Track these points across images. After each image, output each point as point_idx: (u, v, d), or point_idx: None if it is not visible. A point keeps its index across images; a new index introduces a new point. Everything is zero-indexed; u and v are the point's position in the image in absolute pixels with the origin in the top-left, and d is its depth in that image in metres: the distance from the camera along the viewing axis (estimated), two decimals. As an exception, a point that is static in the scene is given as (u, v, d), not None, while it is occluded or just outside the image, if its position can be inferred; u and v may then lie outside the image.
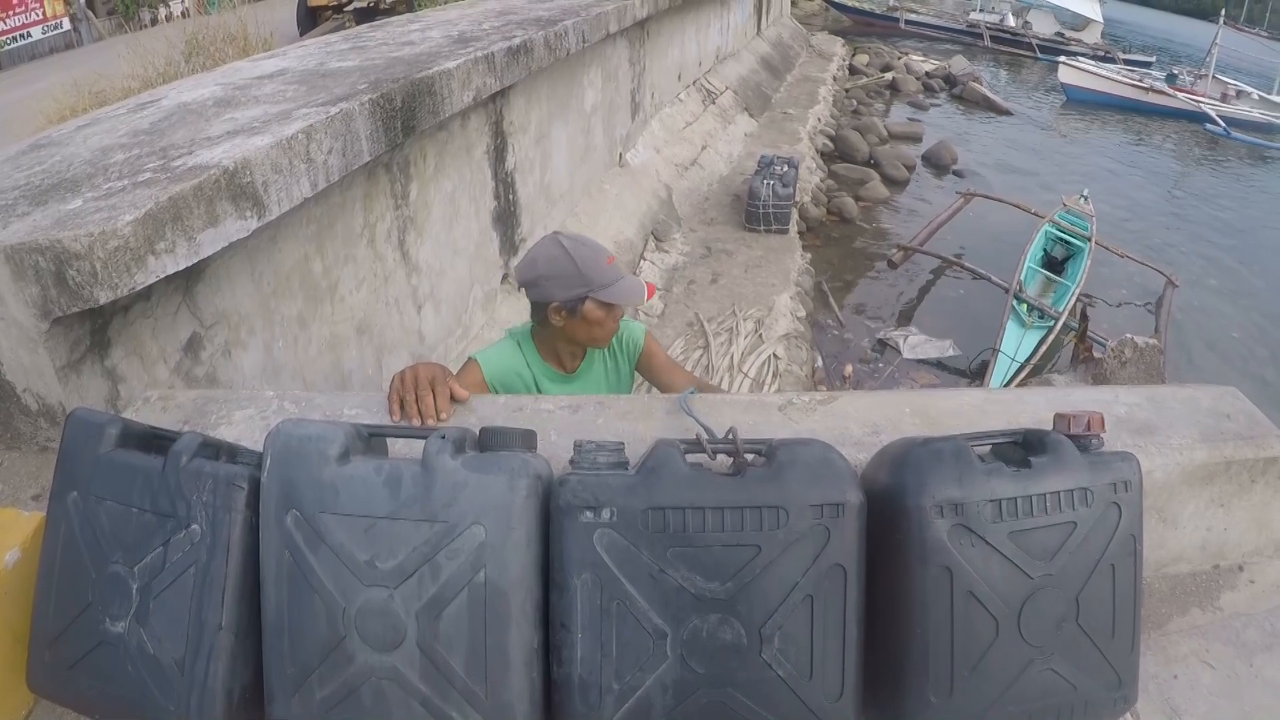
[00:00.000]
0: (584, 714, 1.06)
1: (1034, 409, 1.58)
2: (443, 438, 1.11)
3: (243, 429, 1.49)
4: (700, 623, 1.09)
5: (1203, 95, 18.71)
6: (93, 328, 1.76)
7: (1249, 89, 19.81)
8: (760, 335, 5.67)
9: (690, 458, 1.18)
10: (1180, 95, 18.34)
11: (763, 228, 6.96)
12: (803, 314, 6.27)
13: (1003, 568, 1.14)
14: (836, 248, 7.87)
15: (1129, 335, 4.79)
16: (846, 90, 13.58)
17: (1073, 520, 1.17)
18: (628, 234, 6.08)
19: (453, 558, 1.06)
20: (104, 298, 1.55)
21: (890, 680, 1.16)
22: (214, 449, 1.21)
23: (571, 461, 1.18)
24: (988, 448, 1.28)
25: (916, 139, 11.75)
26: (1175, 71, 20.89)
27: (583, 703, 1.06)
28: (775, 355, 5.50)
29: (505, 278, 4.29)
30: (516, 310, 4.33)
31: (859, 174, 9.31)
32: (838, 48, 16.78)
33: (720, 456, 1.23)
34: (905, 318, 6.65)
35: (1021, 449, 1.26)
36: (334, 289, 2.68)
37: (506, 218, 4.18)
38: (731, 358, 5.40)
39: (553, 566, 1.10)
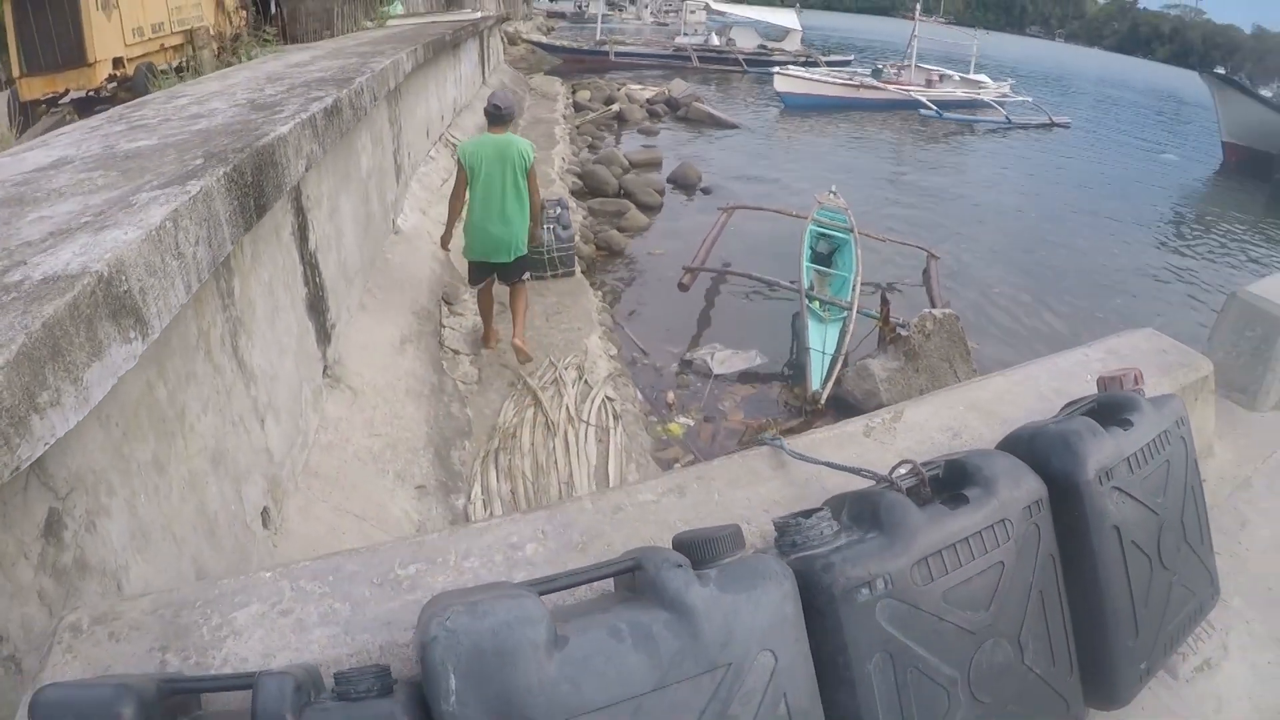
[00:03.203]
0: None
1: (1048, 381, 1.72)
2: (678, 565, 0.88)
3: (264, 637, 1.06)
4: (979, 655, 1.04)
5: (909, 84, 21.52)
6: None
7: (950, 72, 23.23)
8: (586, 381, 5.59)
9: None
10: (890, 87, 20.92)
11: (549, 273, 6.89)
12: (614, 352, 6.29)
13: (1143, 513, 1.26)
14: (616, 281, 8.02)
15: (927, 310, 5.42)
16: (578, 127, 14.02)
17: (1167, 459, 1.31)
18: (422, 302, 5.67)
19: (749, 702, 0.86)
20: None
21: (1094, 638, 1.21)
22: (306, 688, 0.85)
23: (791, 544, 1.02)
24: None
25: (657, 164, 12.34)
26: (880, 66, 23.74)
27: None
28: (608, 397, 5.44)
29: (326, 370, 3.74)
30: (343, 405, 3.81)
31: (615, 206, 9.63)
32: (558, 87, 17.17)
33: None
34: (705, 336, 6.90)
35: (1099, 413, 1.36)
36: (182, 417, 2.12)
37: (318, 304, 3.66)
38: (567, 409, 5.24)
39: (831, 663, 0.95)
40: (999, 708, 1.00)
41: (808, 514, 1.05)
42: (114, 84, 9.10)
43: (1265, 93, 24.54)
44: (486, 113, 4.67)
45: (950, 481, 1.15)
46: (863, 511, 1.05)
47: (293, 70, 4.11)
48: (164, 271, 1.56)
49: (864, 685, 0.92)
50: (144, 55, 9.75)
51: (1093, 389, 1.47)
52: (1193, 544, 1.31)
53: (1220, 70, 26.77)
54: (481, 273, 5.14)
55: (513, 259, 5.00)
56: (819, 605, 0.94)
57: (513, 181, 4.72)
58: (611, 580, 0.99)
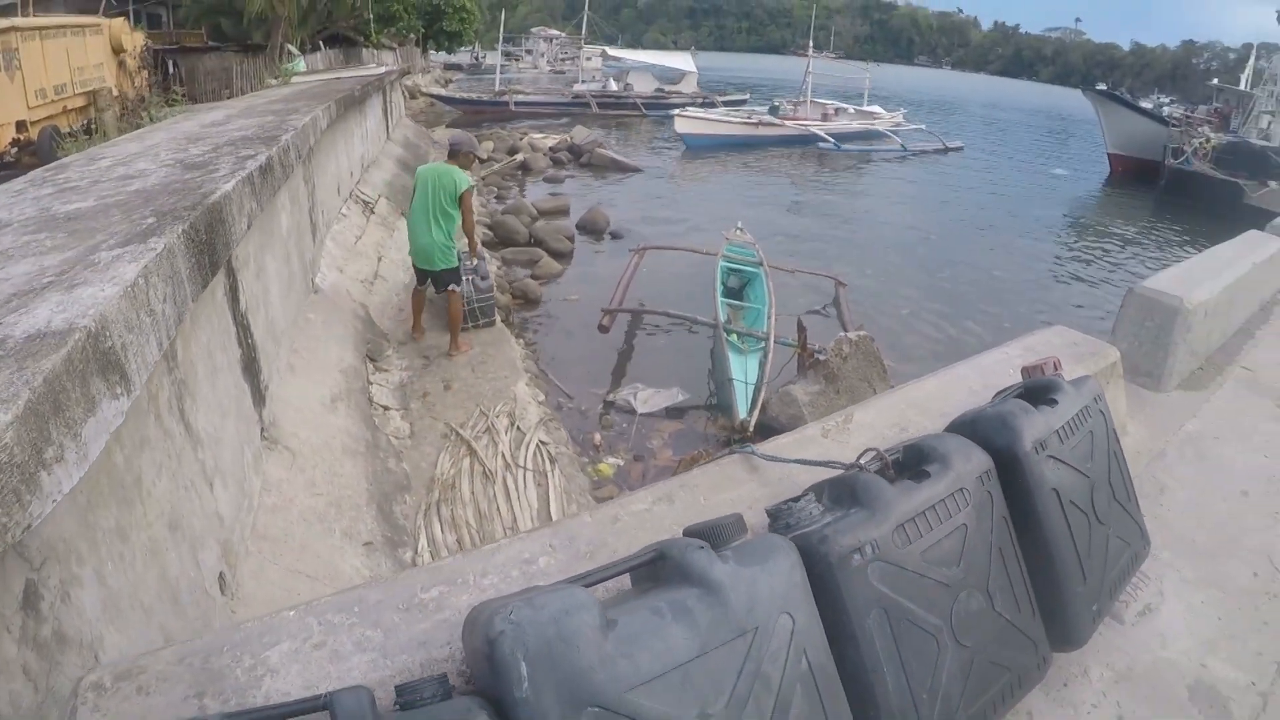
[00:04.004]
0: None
1: (977, 377, 1.93)
2: (700, 548, 1.00)
3: (302, 671, 1.09)
4: (957, 605, 1.18)
5: (806, 119, 22.02)
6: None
7: (845, 105, 23.85)
8: (519, 428, 5.61)
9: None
10: (788, 123, 21.34)
11: (470, 324, 6.88)
12: (542, 398, 6.34)
13: (1076, 476, 1.44)
14: (534, 328, 8.06)
15: (843, 334, 5.71)
16: (483, 178, 14.09)
17: (1090, 430, 1.51)
18: (349, 360, 5.60)
19: (776, 660, 0.98)
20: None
21: (1049, 586, 1.41)
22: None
23: (785, 526, 1.16)
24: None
25: (565, 211, 12.51)
26: (777, 103, 24.31)
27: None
28: (542, 441, 5.48)
29: (263, 432, 3.67)
30: (283, 466, 3.74)
31: (527, 255, 9.72)
32: (462, 139, 17.18)
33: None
34: (627, 376, 6.99)
35: (1027, 396, 1.56)
36: (139, 483, 2.08)
37: (251, 365, 3.60)
38: (502, 456, 5.26)
39: (836, 623, 1.08)
40: (980, 650, 1.16)
41: (795, 500, 1.19)
42: (17, 148, 8.66)
43: (1146, 104, 26.72)
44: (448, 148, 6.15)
45: (910, 462, 1.31)
46: (842, 493, 1.20)
47: (211, 130, 4.08)
48: (140, 328, 1.58)
49: (866, 639, 1.06)
50: (48, 118, 9.33)
51: (1016, 380, 1.68)
52: (1121, 501, 1.52)
53: (1102, 86, 29.09)
54: (419, 275, 6.25)
55: (438, 269, 5.99)
56: (819, 573, 1.07)
57: (447, 201, 5.77)
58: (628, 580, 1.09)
